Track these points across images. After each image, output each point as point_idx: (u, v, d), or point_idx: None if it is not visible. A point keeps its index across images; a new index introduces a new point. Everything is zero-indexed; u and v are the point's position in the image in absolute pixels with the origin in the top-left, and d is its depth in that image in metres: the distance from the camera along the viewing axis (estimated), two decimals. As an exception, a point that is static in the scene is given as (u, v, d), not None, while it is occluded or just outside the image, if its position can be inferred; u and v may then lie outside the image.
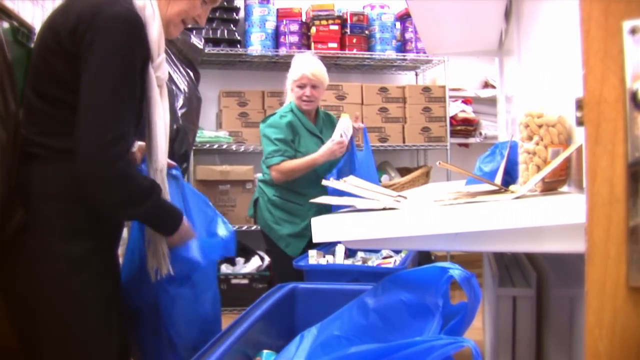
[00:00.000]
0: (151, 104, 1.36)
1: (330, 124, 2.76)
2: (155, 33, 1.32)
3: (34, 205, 1.27)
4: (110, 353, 1.36)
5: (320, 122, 2.74)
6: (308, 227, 2.59)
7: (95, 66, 1.22)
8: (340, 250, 2.44)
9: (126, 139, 1.26)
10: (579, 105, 0.97)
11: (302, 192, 2.58)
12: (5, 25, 1.65)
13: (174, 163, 1.71)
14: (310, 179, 2.55)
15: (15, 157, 1.32)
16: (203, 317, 1.59)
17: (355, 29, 4.28)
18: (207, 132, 3.89)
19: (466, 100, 4.54)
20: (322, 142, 2.61)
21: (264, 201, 2.68)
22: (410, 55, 4.40)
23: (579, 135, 1.05)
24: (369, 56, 4.31)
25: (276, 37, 4.17)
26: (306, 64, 2.65)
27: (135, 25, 1.27)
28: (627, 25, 0.62)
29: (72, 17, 1.25)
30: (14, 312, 1.32)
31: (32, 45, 1.84)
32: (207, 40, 3.91)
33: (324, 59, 4.24)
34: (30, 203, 1.27)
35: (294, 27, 4.17)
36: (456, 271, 1.11)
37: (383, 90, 4.19)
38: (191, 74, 3.29)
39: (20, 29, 1.74)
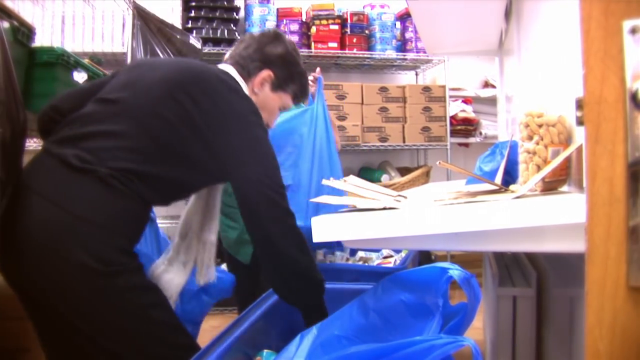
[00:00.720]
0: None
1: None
2: None
3: (89, 230, 1.25)
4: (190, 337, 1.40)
5: None
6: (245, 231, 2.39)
7: (246, 134, 1.38)
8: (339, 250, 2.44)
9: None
10: (579, 105, 0.97)
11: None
12: (6, 25, 1.66)
13: None
14: None
15: (21, 156, 1.34)
16: None
17: (355, 29, 4.28)
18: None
19: (466, 100, 4.54)
20: None
21: None
22: (410, 55, 4.40)
23: (579, 135, 1.05)
24: (369, 56, 4.31)
25: (276, 36, 4.16)
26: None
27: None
28: (627, 25, 0.62)
29: (199, 93, 1.37)
30: (87, 331, 1.28)
31: (33, 45, 1.85)
32: (207, 40, 3.91)
33: (324, 58, 4.28)
34: (83, 226, 1.25)
35: (294, 26, 4.17)
36: (456, 272, 1.10)
37: (383, 90, 4.19)
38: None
39: (21, 28, 1.74)
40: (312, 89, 2.45)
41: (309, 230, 1.88)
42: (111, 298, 1.26)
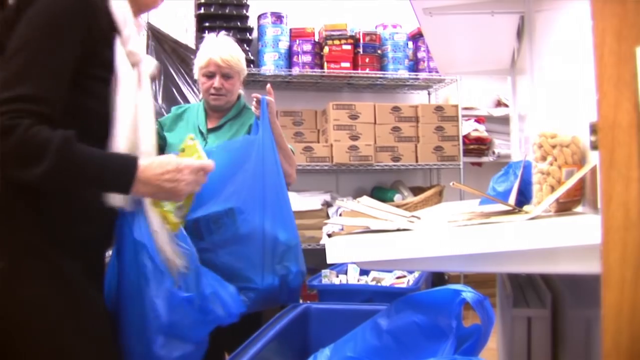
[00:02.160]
0: (118, 82, 1.20)
1: (239, 121, 2.11)
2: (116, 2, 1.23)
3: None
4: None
5: (223, 120, 2.10)
6: None
7: (20, 29, 1.09)
8: (352, 270, 2.44)
9: (35, 102, 1.07)
10: (593, 129, 0.97)
11: None
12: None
13: None
14: None
15: None
16: None
17: (368, 49, 4.31)
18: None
19: (479, 119, 4.54)
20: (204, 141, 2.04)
21: None
22: (422, 75, 4.41)
23: (593, 155, 1.05)
24: (381, 75, 4.33)
25: (289, 57, 4.20)
26: (215, 47, 2.03)
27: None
28: (640, 50, 0.62)
29: None
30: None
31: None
32: (221, 60, 3.96)
33: (336, 78, 4.31)
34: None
35: (307, 46, 4.21)
36: (469, 294, 1.10)
37: (396, 109, 4.20)
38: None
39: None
40: (256, 112, 1.95)
41: (266, 291, 1.78)
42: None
